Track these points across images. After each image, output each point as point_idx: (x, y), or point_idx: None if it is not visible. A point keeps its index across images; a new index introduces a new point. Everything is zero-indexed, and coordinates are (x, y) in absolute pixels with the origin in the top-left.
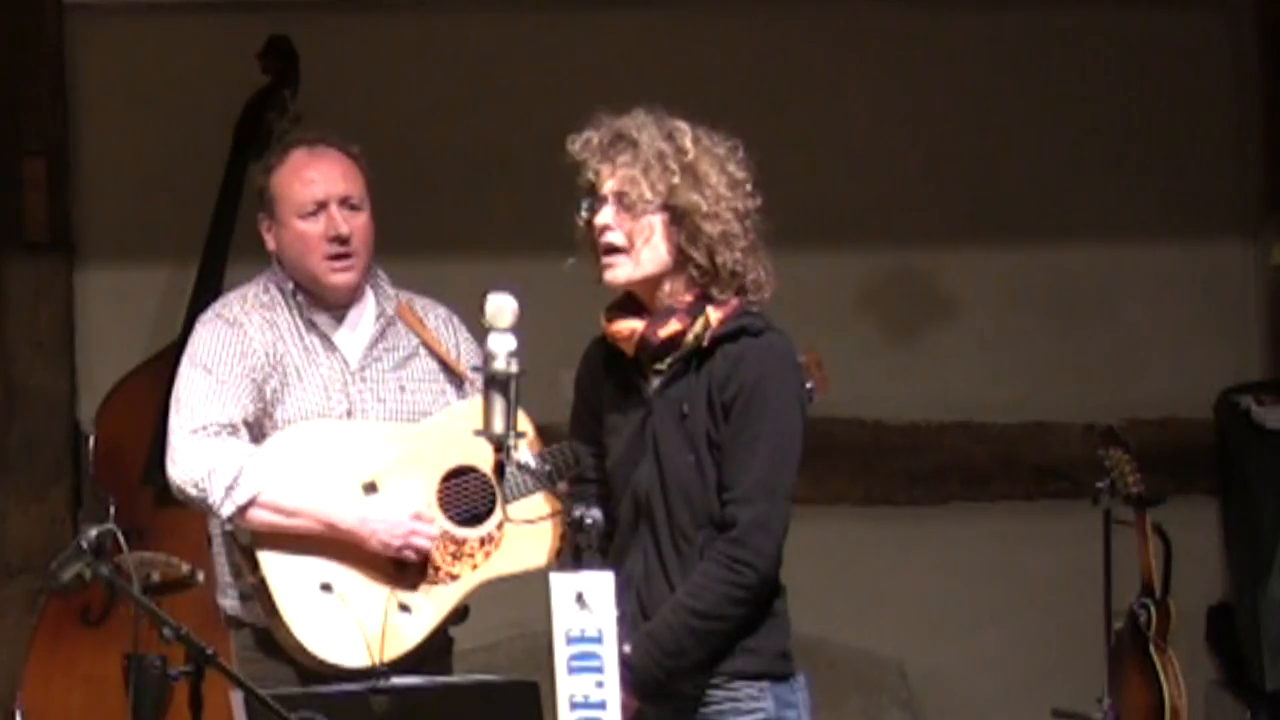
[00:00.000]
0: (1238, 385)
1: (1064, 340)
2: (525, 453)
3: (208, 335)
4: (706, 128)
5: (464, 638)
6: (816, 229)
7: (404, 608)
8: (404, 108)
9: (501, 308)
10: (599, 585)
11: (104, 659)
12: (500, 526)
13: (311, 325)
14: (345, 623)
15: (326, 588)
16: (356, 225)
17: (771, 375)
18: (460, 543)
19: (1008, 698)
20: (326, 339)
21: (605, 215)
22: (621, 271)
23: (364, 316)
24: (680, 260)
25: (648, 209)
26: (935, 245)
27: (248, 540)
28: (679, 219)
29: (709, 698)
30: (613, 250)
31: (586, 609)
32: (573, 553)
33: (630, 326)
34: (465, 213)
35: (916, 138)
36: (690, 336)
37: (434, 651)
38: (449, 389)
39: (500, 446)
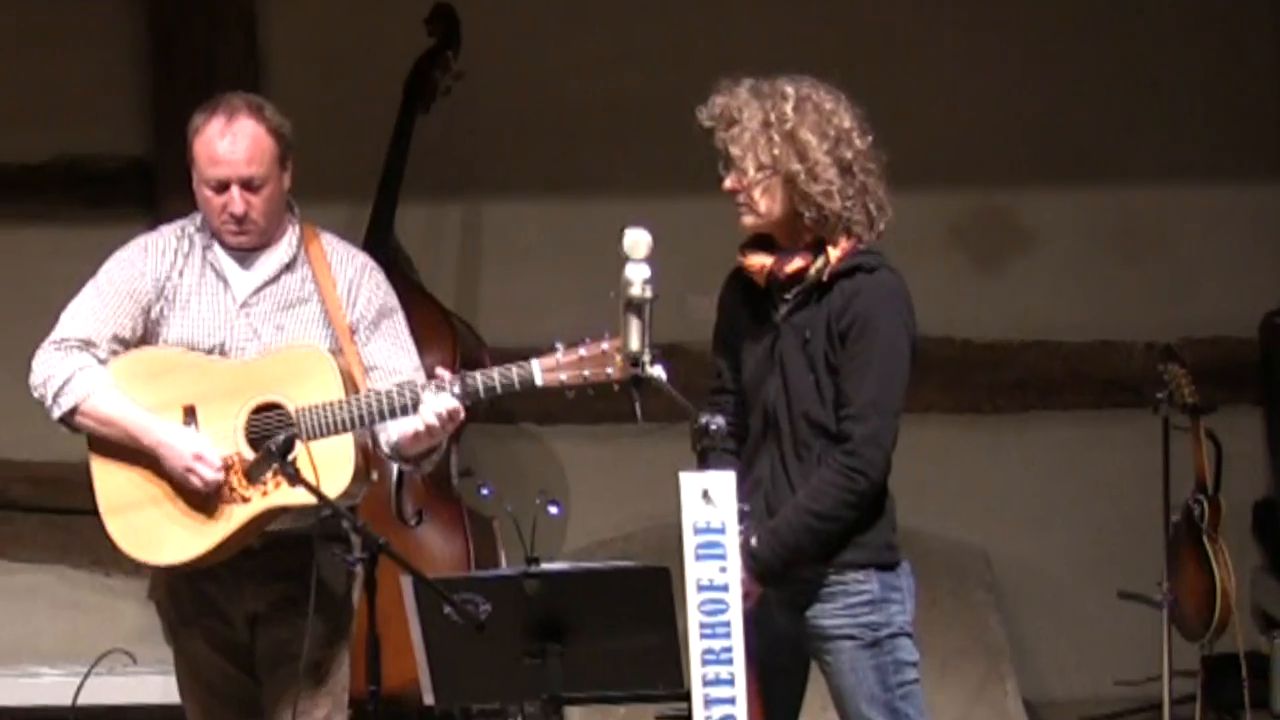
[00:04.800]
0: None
1: (1128, 269)
2: (659, 368)
3: (118, 257)
4: (813, 81)
5: (604, 528)
6: (912, 172)
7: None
8: (552, 65)
9: (637, 241)
10: (722, 483)
11: None
12: (294, 461)
13: (213, 264)
14: (148, 522)
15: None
16: (256, 201)
17: (882, 308)
18: None
19: (1079, 581)
20: (223, 276)
21: (729, 180)
22: (748, 220)
23: (265, 260)
24: (796, 210)
25: (761, 175)
26: (1016, 186)
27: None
28: (787, 181)
29: (824, 582)
30: (740, 204)
31: (711, 504)
32: (698, 455)
33: (761, 261)
34: (606, 158)
35: (1000, 91)
36: (812, 272)
37: (299, 541)
38: (328, 337)
39: (635, 362)
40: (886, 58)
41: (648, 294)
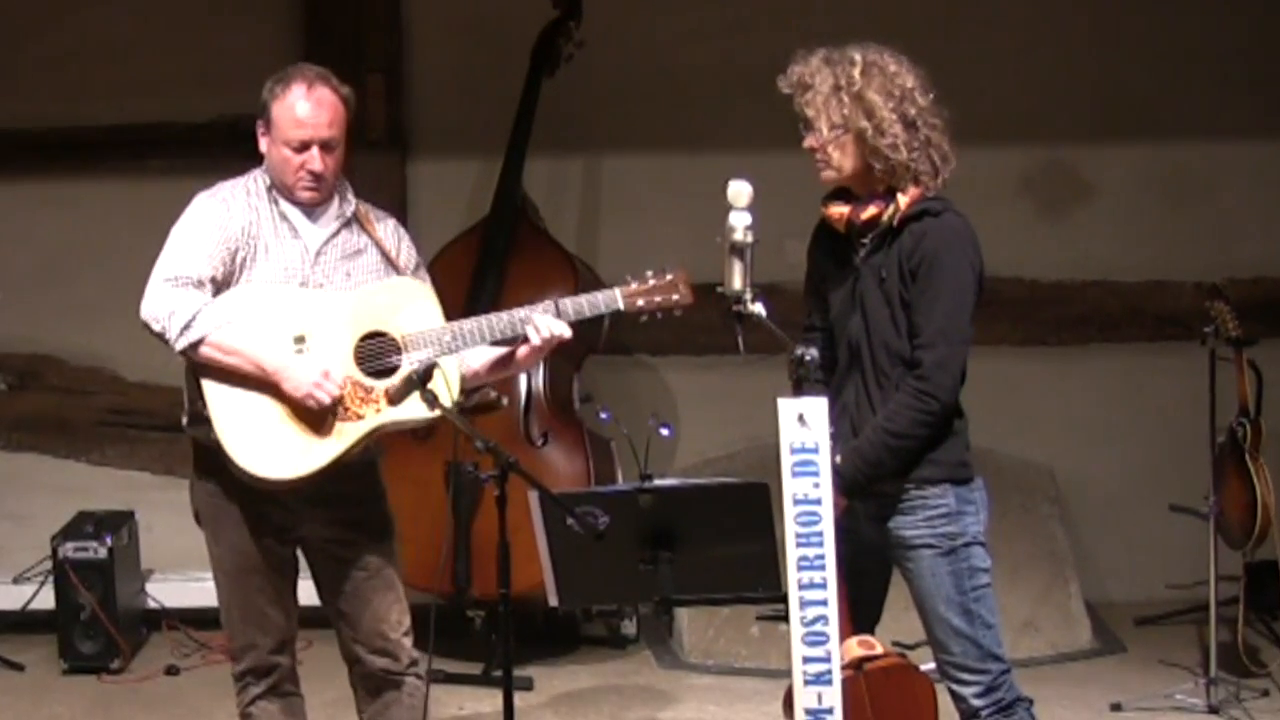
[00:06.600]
0: None
1: (1178, 216)
2: (759, 305)
3: (200, 207)
4: (879, 46)
5: (709, 448)
6: (987, 130)
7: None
8: (663, 35)
9: (740, 191)
10: (816, 408)
11: (429, 465)
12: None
13: (284, 216)
14: (265, 441)
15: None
16: (330, 161)
17: (947, 247)
18: (369, 390)
19: (1134, 495)
20: (294, 228)
21: (808, 139)
22: (827, 175)
23: (327, 215)
24: (867, 163)
25: (834, 133)
26: (1078, 141)
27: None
28: (857, 138)
29: (904, 496)
30: (819, 161)
31: (806, 426)
32: (794, 383)
33: (840, 210)
34: (712, 117)
35: (1064, 59)
36: (885, 218)
37: (361, 468)
38: (387, 278)
39: (738, 300)
40: (967, 31)
41: (749, 239)
